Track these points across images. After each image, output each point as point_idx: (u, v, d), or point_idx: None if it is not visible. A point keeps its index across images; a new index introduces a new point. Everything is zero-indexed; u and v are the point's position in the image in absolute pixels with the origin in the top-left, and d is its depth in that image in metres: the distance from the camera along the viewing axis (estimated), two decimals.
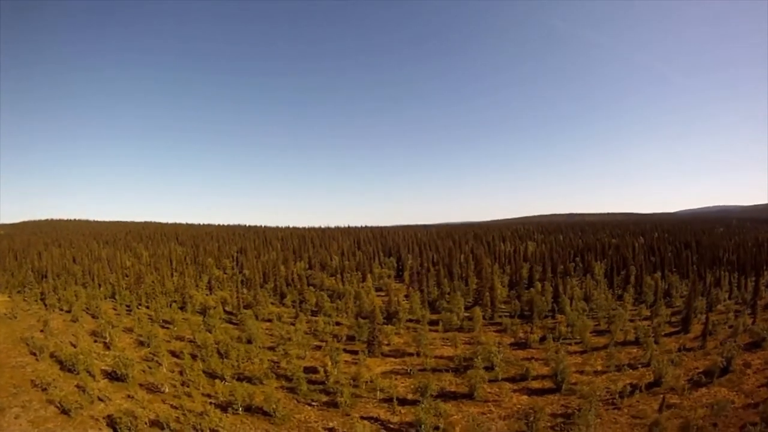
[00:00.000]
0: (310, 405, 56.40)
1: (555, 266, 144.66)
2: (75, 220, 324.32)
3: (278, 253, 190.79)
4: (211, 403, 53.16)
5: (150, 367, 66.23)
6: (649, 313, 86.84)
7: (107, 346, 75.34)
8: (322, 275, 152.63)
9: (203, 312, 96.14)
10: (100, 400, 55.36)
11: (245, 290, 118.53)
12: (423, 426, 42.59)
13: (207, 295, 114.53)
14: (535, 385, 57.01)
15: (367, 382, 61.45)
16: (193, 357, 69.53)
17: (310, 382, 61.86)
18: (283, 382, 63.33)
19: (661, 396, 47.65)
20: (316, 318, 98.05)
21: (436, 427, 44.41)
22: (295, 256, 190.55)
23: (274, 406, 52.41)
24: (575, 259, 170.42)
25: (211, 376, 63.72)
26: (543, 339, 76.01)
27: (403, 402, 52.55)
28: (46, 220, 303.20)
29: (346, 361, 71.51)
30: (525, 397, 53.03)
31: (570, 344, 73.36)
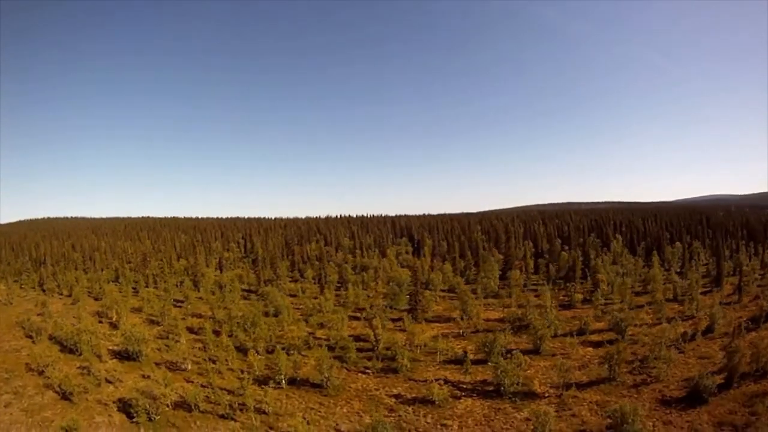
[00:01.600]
0: (363, 373, 49.05)
1: (572, 241, 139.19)
2: (71, 217, 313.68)
3: (286, 237, 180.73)
4: (245, 378, 43.32)
5: (167, 345, 56.47)
6: (677, 277, 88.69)
7: (114, 326, 65.51)
8: (339, 253, 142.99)
9: (217, 292, 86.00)
10: (109, 382, 45.68)
11: (263, 267, 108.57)
12: (506, 381, 38.71)
13: (219, 274, 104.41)
14: (595, 338, 55.15)
15: (419, 346, 54.95)
16: (216, 333, 59.60)
17: (356, 350, 52.87)
18: (325, 352, 54.09)
19: (718, 340, 49.73)
20: (342, 291, 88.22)
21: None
22: (303, 239, 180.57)
23: (326, 375, 42.99)
24: (590, 234, 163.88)
25: (240, 350, 53.95)
26: (584, 301, 76.38)
27: (463, 362, 46.80)
28: (43, 219, 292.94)
29: (389, 329, 62.42)
30: (590, 349, 50.69)
31: (612, 303, 72.02)
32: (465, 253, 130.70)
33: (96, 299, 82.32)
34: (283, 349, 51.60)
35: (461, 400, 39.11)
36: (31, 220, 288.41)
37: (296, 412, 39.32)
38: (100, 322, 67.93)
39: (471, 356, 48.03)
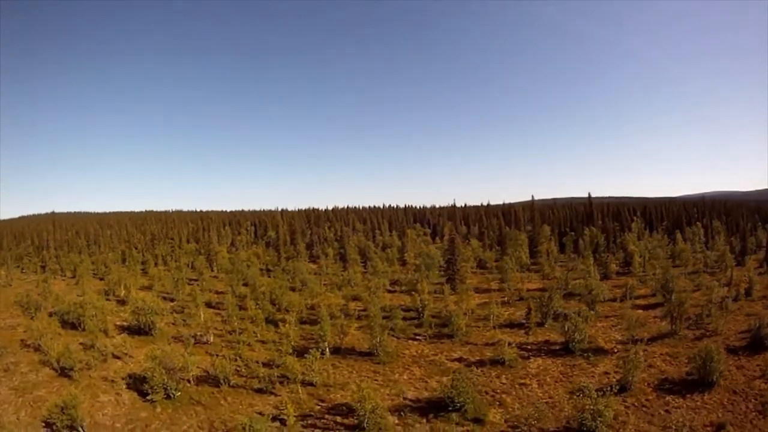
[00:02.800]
0: (414, 340, 43.38)
1: (591, 223, 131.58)
2: (74, 212, 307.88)
3: (296, 224, 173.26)
4: (280, 350, 35.80)
5: (183, 319, 49.15)
6: (702, 254, 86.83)
7: (122, 303, 58.33)
8: (355, 236, 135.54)
9: (233, 269, 78.47)
10: (117, 357, 38.36)
11: (283, 244, 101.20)
12: (576, 336, 37.02)
13: (234, 252, 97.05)
14: (641, 302, 53.75)
15: (467, 313, 49.81)
16: (239, 308, 52.10)
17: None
18: (364, 321, 47.50)
19: (759, 302, 49.97)
20: (369, 267, 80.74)
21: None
22: (313, 224, 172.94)
23: (378, 340, 35.83)
24: (605, 219, 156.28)
25: (269, 322, 46.54)
26: (618, 273, 75.26)
27: (520, 326, 44.69)
28: (46, 214, 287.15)
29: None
30: (640, 311, 48.78)
31: (646, 274, 70.62)
32: (487, 235, 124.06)
33: (101, 279, 75.32)
34: (314, 321, 44.29)
35: (530, 360, 36.27)
36: (34, 215, 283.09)
37: (348, 382, 32.35)
38: (107, 299, 60.73)
39: (524, 320, 44.85)
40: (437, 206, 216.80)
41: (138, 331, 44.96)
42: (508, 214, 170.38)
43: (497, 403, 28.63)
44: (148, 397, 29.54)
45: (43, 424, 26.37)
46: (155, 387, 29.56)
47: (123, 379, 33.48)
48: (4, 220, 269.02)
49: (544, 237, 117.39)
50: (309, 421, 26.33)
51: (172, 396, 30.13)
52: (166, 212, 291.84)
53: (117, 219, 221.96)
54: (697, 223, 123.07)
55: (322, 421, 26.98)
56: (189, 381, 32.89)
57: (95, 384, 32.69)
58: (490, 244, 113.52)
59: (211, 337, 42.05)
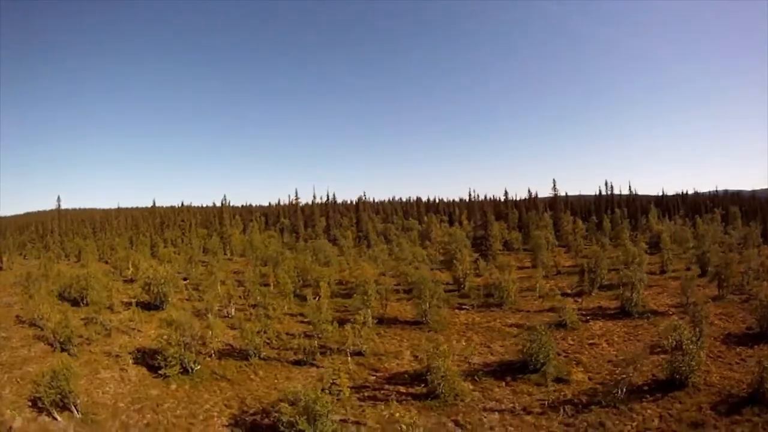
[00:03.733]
0: (461, 309, 40.12)
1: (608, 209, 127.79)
2: (80, 209, 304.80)
3: (309, 212, 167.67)
4: (312, 322, 30.05)
5: (199, 295, 43.54)
6: (728, 236, 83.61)
7: (130, 281, 53.04)
8: (370, 222, 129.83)
9: (248, 250, 72.88)
10: (123, 333, 32.79)
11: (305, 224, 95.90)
12: (635, 297, 36.92)
13: (248, 235, 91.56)
14: (678, 275, 51.27)
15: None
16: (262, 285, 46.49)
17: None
18: (402, 294, 43.50)
19: None
20: (395, 248, 75.04)
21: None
22: (325, 214, 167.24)
23: (426, 307, 32.33)
24: (622, 207, 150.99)
25: (297, 297, 40.96)
26: (647, 253, 72.48)
27: (565, 296, 42.29)
28: (52, 210, 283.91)
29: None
30: (678, 282, 46.51)
31: (676, 252, 69.78)
32: (509, 219, 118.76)
33: (107, 263, 70.15)
34: (346, 294, 38.79)
35: (591, 323, 34.66)
36: (39, 212, 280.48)
37: (402, 350, 27.70)
38: (114, 280, 55.42)
39: (568, 291, 44.67)
40: (446, 199, 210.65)
41: (147, 306, 39.48)
42: (527, 200, 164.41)
43: (573, 362, 26.39)
44: (161, 371, 23.96)
45: (29, 403, 20.85)
46: (170, 359, 23.94)
47: (130, 353, 27.90)
48: (8, 216, 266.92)
49: (567, 220, 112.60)
50: (366, 393, 20.99)
51: (190, 370, 24.58)
52: (173, 207, 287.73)
53: (124, 213, 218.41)
54: (715, 209, 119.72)
55: (382, 392, 22.23)
56: (210, 355, 27.28)
57: (96, 359, 27.20)
58: (513, 227, 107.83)
59: (233, 310, 36.40)
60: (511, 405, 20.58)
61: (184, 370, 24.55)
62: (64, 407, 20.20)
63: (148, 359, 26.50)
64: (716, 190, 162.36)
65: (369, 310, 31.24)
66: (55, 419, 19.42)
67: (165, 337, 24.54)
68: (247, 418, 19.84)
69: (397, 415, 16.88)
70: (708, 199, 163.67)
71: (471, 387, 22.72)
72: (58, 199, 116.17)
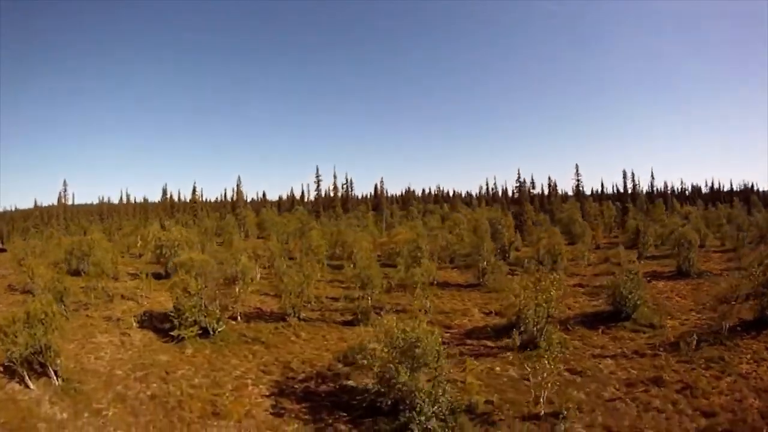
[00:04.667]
0: (512, 274, 35.76)
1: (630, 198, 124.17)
2: (88, 204, 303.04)
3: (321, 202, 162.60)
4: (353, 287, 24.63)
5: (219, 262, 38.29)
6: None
7: (137, 256, 48.11)
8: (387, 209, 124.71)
9: (272, 224, 67.61)
10: (128, 299, 27.51)
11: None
12: (691, 255, 36.20)
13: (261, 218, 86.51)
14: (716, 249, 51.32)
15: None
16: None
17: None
18: (441, 263, 39.75)
19: None
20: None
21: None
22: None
23: (483, 266, 28.04)
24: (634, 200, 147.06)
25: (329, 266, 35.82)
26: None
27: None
28: (49, 206, 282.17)
29: None
30: (719, 254, 47.05)
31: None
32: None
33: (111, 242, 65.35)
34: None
35: (653, 283, 33.01)
36: (47, 206, 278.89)
37: (469, 307, 23.98)
38: (122, 256, 50.57)
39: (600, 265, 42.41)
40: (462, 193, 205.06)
41: (157, 275, 34.27)
42: (540, 195, 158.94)
43: (659, 310, 24.86)
44: (174, 332, 18.54)
45: (0, 368, 15.52)
46: (185, 318, 18.51)
47: (134, 317, 22.59)
48: (13, 211, 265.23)
49: (590, 205, 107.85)
50: (446, 349, 15.46)
51: (212, 332, 19.11)
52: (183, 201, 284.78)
53: (127, 208, 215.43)
54: (734, 198, 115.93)
55: (466, 346, 18.84)
56: (238, 317, 21.86)
57: (93, 323, 21.93)
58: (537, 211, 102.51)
59: (258, 276, 30.98)
60: (619, 350, 19.11)
61: (204, 332, 19.13)
62: (43, 373, 14.86)
63: (157, 322, 21.22)
64: (731, 186, 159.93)
65: (421, 269, 25.67)
66: (28, 387, 14.03)
67: (182, 284, 19.06)
68: (296, 386, 14.42)
69: (498, 369, 15.30)
70: (725, 194, 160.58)
71: (565, 336, 20.59)
72: (64, 183, 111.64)
